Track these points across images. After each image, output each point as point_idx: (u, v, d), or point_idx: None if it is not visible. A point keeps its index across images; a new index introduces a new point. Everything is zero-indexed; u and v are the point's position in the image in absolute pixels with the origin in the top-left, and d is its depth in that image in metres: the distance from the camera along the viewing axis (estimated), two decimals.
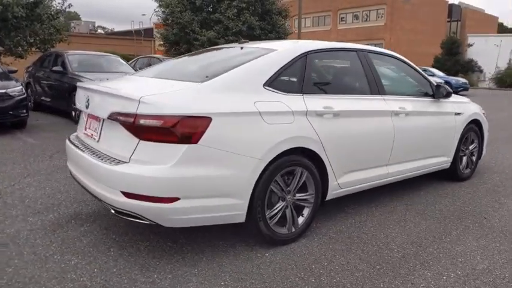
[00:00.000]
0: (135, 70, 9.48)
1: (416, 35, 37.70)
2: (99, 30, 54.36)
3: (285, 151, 2.62)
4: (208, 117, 2.31)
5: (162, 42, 20.50)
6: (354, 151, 3.13)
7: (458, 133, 4.23)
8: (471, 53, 37.35)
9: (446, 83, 18.43)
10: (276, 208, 2.72)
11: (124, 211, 2.34)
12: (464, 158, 4.47)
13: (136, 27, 42.35)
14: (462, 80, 23.53)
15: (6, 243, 2.75)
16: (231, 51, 3.35)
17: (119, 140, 2.38)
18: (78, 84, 3.08)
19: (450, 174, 4.38)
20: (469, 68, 34.68)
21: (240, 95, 2.54)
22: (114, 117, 2.38)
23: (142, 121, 2.22)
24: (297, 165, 2.75)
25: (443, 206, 3.71)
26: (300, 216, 2.87)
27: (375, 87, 3.39)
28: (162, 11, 19.68)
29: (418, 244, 2.90)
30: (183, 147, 2.23)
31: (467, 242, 2.95)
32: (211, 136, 2.30)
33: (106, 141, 2.56)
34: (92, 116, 2.77)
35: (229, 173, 2.41)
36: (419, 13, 38.70)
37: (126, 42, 38.15)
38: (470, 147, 4.53)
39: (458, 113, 4.20)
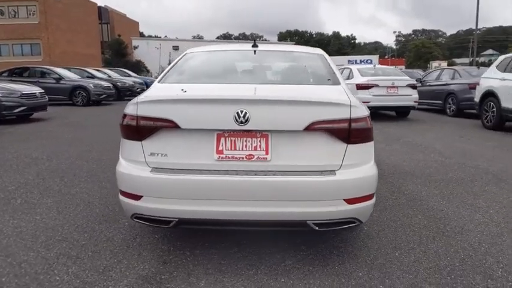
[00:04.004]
0: None
1: (73, 35, 35.67)
2: None
3: None
4: None
5: None
6: None
7: None
8: (137, 55, 39.81)
9: (145, 82, 19.53)
10: None
11: (339, 220, 2.33)
12: None
13: None
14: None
15: None
16: (280, 55, 3.43)
17: (317, 150, 2.33)
18: (201, 96, 2.33)
19: None
20: (138, 68, 35.32)
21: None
22: (317, 126, 2.27)
23: (354, 125, 2.31)
24: None
25: (421, 172, 4.53)
26: None
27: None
28: None
29: (474, 194, 3.65)
30: (372, 144, 2.44)
31: (489, 188, 3.86)
32: None
33: (287, 156, 2.32)
34: (244, 134, 2.32)
35: None
36: (72, 13, 35.93)
37: None
38: None
39: None
